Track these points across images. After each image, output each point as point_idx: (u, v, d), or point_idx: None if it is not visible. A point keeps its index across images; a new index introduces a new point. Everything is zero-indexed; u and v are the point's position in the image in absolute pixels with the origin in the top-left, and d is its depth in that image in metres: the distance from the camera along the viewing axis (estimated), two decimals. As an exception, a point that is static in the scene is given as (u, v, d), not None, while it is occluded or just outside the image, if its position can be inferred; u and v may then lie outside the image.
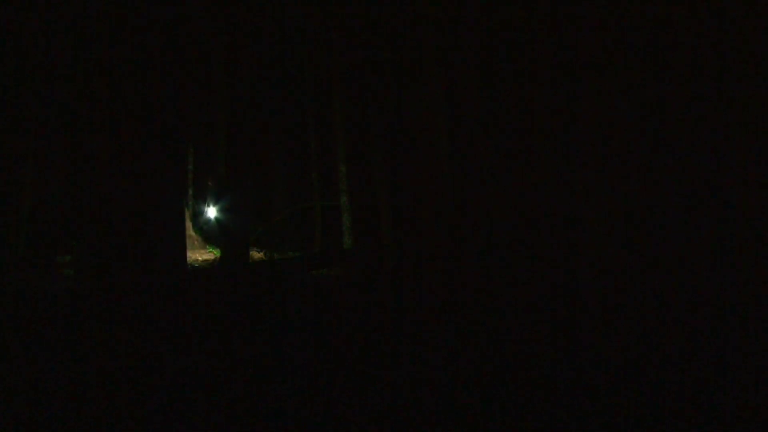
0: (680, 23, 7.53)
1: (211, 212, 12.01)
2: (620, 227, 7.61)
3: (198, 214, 12.43)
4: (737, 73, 7.24)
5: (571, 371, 5.28)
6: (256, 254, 11.35)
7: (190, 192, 11.92)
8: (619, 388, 4.89)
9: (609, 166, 7.90)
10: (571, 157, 8.07)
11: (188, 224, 11.60)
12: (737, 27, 7.24)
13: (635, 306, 6.94)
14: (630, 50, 7.77)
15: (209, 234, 12.22)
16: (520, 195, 8.13)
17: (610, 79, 7.85)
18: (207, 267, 10.05)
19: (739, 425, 4.26)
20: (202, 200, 11.85)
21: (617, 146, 7.87)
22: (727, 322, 6.34)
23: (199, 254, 11.70)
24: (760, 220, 6.85)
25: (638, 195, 7.63)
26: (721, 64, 7.31)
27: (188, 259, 9.92)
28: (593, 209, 7.81)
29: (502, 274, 7.80)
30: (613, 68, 7.86)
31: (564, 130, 8.09)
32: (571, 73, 8.06)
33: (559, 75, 8.16)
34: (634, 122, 7.75)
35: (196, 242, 12.07)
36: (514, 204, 8.11)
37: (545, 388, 4.90)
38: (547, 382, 5.02)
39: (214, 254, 11.61)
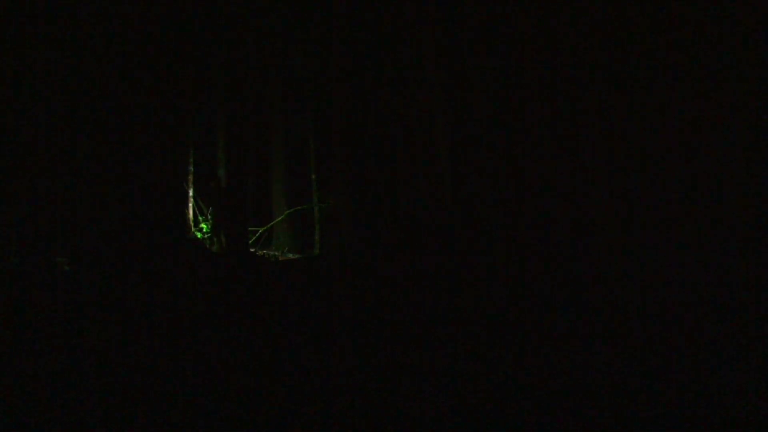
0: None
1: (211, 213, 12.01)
2: (621, 228, 7.58)
3: (198, 215, 12.43)
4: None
5: (571, 373, 5.26)
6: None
7: (191, 193, 11.90)
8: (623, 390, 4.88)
9: (610, 167, 7.87)
10: (571, 157, 8.05)
11: (188, 225, 11.59)
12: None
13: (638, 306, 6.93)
14: (631, 51, 7.74)
15: (210, 234, 12.21)
16: (520, 196, 8.11)
17: (613, 79, 7.82)
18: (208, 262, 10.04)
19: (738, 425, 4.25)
20: (203, 201, 11.82)
21: (619, 146, 7.84)
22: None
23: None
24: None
25: (639, 196, 7.61)
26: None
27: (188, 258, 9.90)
28: (595, 210, 7.79)
29: (500, 274, 7.78)
30: (615, 69, 7.84)
31: (565, 130, 8.07)
32: (572, 73, 8.03)
33: (560, 76, 8.13)
34: (636, 123, 7.73)
35: (196, 242, 12.06)
36: (513, 203, 8.08)
37: (544, 390, 4.88)
38: (547, 384, 5.01)
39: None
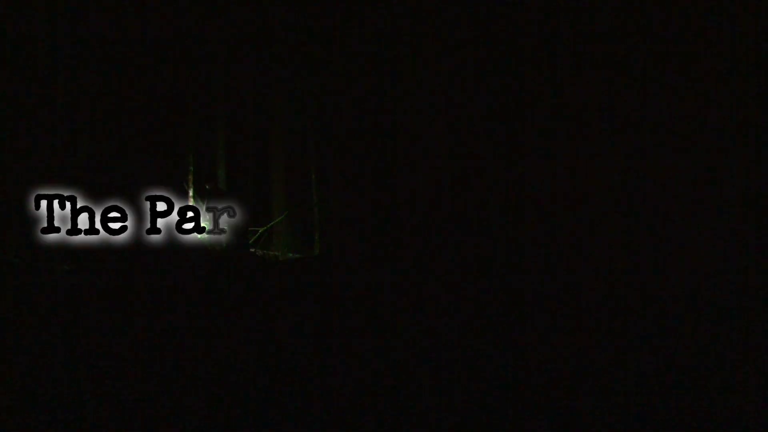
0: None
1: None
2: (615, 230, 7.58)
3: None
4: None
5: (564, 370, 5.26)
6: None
7: (191, 193, 11.89)
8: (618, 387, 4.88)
9: (611, 167, 7.87)
10: (571, 157, 8.05)
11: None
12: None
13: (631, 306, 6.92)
14: (630, 53, 7.74)
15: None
16: (521, 195, 8.11)
17: (616, 79, 7.82)
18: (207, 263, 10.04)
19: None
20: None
21: (619, 146, 7.84)
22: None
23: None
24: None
25: (640, 196, 7.60)
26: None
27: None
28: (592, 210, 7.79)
29: (501, 273, 7.78)
30: (616, 69, 7.83)
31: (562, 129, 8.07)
32: (572, 72, 8.03)
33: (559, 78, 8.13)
34: (638, 124, 7.72)
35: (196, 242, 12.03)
36: (514, 202, 8.08)
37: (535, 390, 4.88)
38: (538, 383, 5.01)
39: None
